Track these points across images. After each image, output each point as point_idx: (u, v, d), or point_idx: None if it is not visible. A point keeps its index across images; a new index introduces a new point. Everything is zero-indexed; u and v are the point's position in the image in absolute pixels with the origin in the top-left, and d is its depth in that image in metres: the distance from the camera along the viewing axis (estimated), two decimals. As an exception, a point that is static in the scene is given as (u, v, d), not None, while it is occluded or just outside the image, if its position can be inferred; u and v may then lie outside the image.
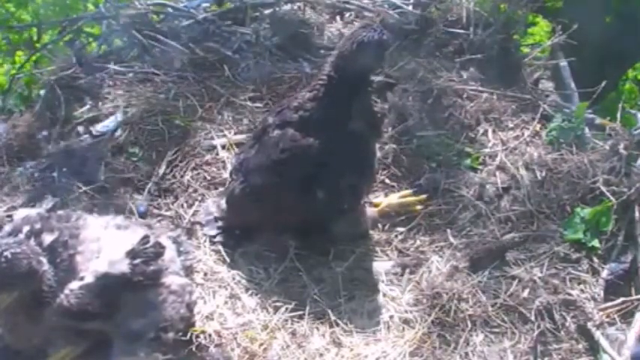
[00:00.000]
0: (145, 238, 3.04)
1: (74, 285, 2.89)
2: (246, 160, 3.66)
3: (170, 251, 3.20)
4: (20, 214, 3.16)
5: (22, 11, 8.27)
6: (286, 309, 3.36)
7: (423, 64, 4.52)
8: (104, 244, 3.01)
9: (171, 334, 3.00)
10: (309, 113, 3.47)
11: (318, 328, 3.30)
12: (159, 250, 3.06)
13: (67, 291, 2.88)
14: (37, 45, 6.68)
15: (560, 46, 4.89)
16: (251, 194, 3.56)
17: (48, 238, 2.96)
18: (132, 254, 2.98)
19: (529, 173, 3.99)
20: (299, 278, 3.54)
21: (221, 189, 3.94)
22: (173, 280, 3.09)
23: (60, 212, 3.20)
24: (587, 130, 4.25)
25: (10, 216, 3.72)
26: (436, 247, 3.73)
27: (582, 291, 3.46)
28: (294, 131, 3.46)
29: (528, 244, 3.67)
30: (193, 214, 3.83)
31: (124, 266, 2.94)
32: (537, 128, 4.26)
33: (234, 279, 3.50)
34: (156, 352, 2.95)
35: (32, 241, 2.92)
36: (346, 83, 3.39)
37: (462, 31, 4.76)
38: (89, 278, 2.90)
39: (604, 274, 3.53)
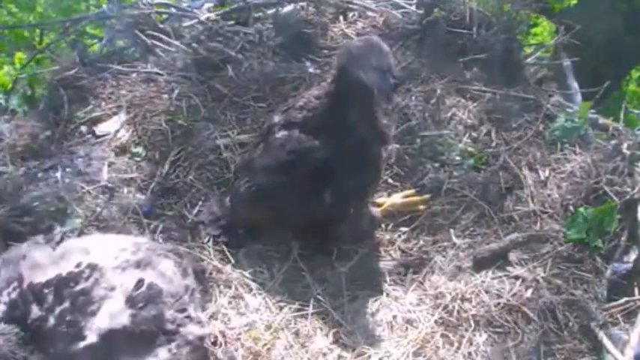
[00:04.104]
0: (139, 283, 2.83)
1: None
2: (251, 159, 3.66)
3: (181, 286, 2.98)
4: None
5: (24, 13, 8.26)
6: (290, 309, 3.36)
7: (426, 64, 4.52)
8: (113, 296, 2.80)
9: None
10: (314, 114, 3.47)
11: (321, 328, 3.30)
12: (154, 292, 2.83)
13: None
14: (39, 46, 6.67)
15: (564, 46, 4.89)
16: (256, 193, 3.56)
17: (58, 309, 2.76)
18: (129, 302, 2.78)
19: (532, 173, 3.99)
20: (302, 278, 3.54)
21: (224, 189, 3.95)
22: (191, 331, 2.87)
23: (71, 270, 2.83)
24: (590, 130, 4.25)
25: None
26: (439, 247, 3.72)
27: (585, 291, 3.45)
28: (300, 132, 3.45)
29: (531, 243, 3.65)
30: (197, 214, 3.83)
31: (124, 318, 2.74)
32: (540, 128, 4.26)
33: (237, 279, 3.50)
34: None
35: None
36: (350, 89, 3.37)
37: (465, 31, 4.74)
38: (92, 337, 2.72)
39: (607, 274, 3.52)
